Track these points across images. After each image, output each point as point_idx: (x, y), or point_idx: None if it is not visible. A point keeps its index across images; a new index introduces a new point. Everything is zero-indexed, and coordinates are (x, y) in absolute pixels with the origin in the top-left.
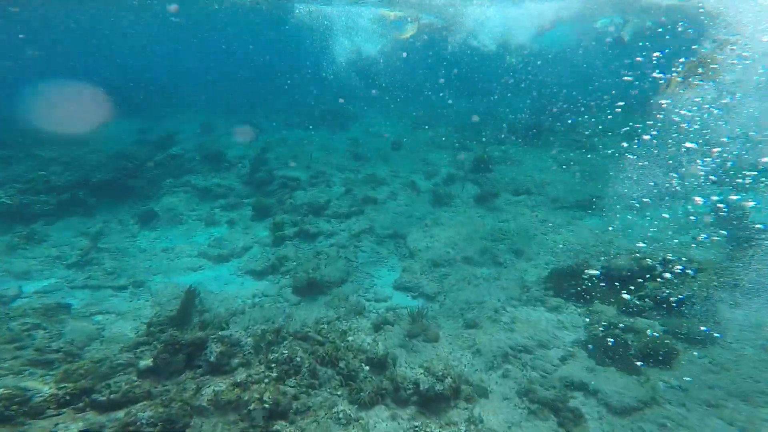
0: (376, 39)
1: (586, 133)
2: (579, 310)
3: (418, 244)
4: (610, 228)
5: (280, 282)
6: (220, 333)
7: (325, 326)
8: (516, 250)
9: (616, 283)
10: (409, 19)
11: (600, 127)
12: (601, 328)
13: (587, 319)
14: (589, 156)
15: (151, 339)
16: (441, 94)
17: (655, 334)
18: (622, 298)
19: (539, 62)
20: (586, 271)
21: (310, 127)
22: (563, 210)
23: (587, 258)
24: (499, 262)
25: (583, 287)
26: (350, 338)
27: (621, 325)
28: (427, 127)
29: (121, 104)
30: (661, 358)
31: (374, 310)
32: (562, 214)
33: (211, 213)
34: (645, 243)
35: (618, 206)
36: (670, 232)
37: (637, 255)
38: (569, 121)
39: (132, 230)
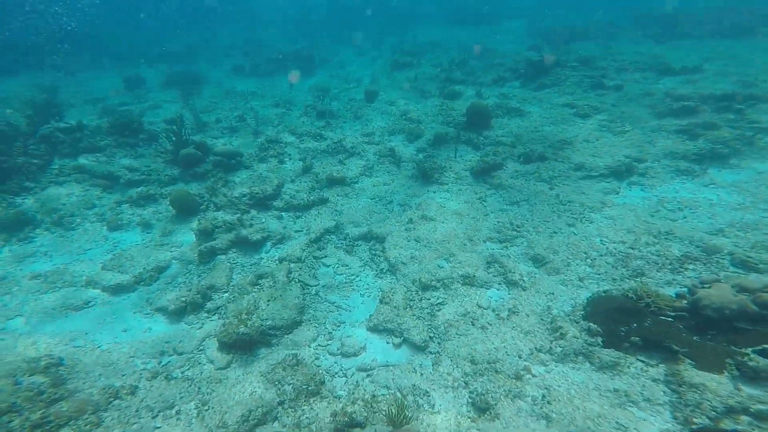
0: None
1: (604, 66)
2: (652, 369)
3: (401, 252)
4: (663, 208)
5: (204, 326)
6: None
7: None
8: (535, 256)
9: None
10: None
11: (622, 58)
12: (705, 418)
13: (674, 392)
14: (613, 99)
15: None
16: (427, 22)
17: None
18: (736, 354)
19: None
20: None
21: (267, 74)
22: (592, 182)
23: (642, 267)
24: (514, 281)
25: (654, 331)
26: None
27: (752, 409)
28: (409, 65)
29: (15, 54)
30: None
31: (341, 373)
32: (591, 189)
33: (118, 211)
34: (723, 233)
35: (666, 170)
36: (752, 210)
37: (742, 283)
38: (581, 54)
39: None
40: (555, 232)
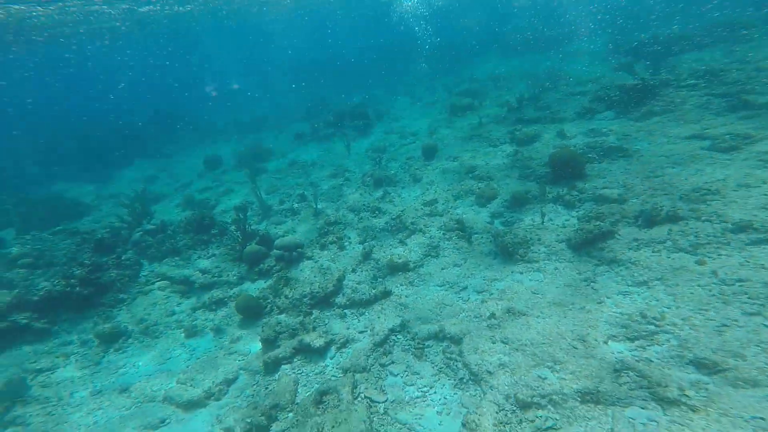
0: None
1: (740, 79)
2: None
3: (485, 357)
4: None
5: None
6: None
7: None
8: (697, 360)
9: None
10: None
11: None
12: None
13: None
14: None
15: None
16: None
17: None
18: None
19: None
20: None
21: (325, 138)
22: (752, 246)
23: None
24: (665, 397)
25: None
26: None
27: None
28: (470, 108)
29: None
30: None
31: None
32: (739, 253)
33: (193, 316)
34: None
35: None
36: None
37: None
38: (699, 67)
39: (95, 356)
40: (725, 325)
